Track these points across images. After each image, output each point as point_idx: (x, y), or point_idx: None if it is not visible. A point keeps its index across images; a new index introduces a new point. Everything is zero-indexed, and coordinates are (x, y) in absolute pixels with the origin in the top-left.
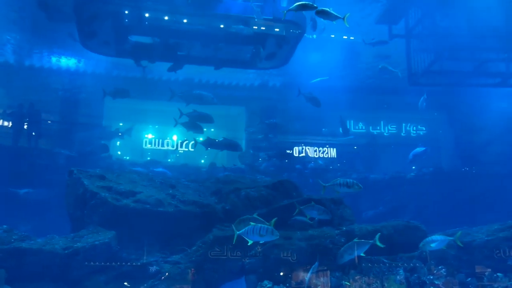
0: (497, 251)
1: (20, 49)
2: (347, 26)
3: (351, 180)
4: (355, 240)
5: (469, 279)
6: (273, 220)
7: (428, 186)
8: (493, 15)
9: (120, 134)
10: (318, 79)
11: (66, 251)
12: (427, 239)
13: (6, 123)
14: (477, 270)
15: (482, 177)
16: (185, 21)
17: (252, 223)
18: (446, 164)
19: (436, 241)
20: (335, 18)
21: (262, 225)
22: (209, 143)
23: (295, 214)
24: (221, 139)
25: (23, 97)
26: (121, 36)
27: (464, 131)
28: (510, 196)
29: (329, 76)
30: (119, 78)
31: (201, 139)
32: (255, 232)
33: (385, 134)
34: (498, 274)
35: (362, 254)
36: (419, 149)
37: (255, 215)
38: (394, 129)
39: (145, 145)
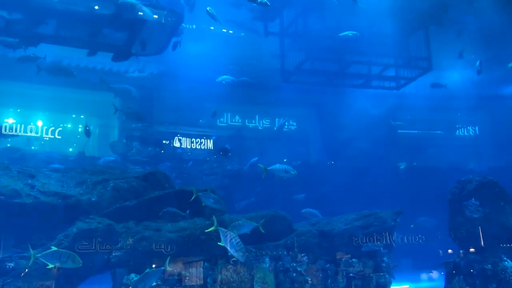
0: (355, 238)
1: None
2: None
3: (288, 166)
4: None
5: (328, 265)
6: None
7: (296, 178)
8: (359, 19)
9: None
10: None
11: None
12: (233, 223)
13: None
14: (337, 257)
15: (345, 170)
16: None
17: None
18: (314, 158)
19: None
20: None
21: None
22: None
23: (191, 200)
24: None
25: None
26: None
27: (330, 127)
28: (367, 187)
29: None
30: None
31: (69, 125)
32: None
33: (259, 128)
34: (353, 259)
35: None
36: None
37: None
38: (268, 123)
39: (5, 131)
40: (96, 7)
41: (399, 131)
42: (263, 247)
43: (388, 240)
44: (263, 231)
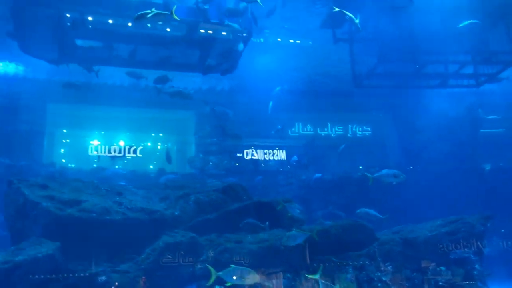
0: (440, 245)
1: None
2: None
3: (396, 171)
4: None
5: (415, 274)
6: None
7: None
8: (431, 19)
9: None
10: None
11: (5, 266)
12: (288, 234)
13: None
14: (422, 265)
15: (426, 175)
16: (129, 24)
17: None
18: (391, 163)
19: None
20: None
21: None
22: None
23: (278, 209)
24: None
25: None
26: (63, 41)
27: (407, 130)
28: (451, 192)
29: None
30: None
31: (149, 144)
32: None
33: (332, 135)
34: (441, 268)
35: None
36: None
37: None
38: (341, 130)
39: (91, 152)
40: (168, 30)
41: (481, 130)
42: (345, 257)
43: (478, 247)
44: (316, 238)
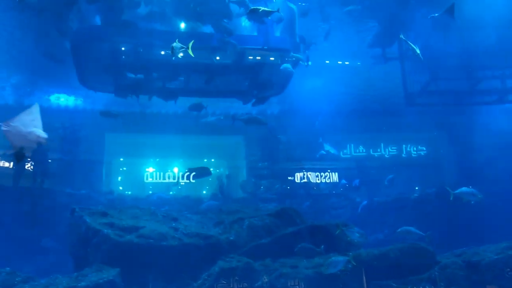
0: (507, 269)
1: (19, 90)
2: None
3: (474, 190)
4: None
5: None
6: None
7: (432, 206)
8: (485, 33)
9: None
10: None
11: None
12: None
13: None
14: None
15: (486, 195)
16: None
17: None
18: (449, 184)
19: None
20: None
21: None
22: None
23: (337, 233)
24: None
25: None
26: (118, 73)
27: (465, 149)
28: None
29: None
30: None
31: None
32: None
33: (386, 156)
34: None
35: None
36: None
37: None
38: (395, 150)
39: (146, 179)
40: (218, 58)
41: None
42: (405, 282)
43: None
44: (354, 263)
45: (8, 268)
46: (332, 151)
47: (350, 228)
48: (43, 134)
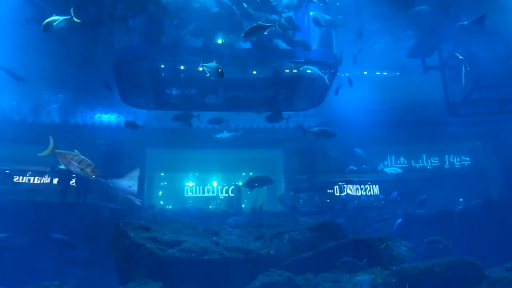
0: None
1: (64, 109)
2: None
3: None
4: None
5: None
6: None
7: (478, 218)
8: None
9: None
10: None
11: None
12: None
13: (54, 181)
14: None
15: None
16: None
17: None
18: (496, 195)
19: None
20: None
21: None
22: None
23: (382, 247)
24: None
25: None
26: (158, 90)
27: (511, 159)
28: None
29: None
30: (159, 129)
31: (240, 183)
32: None
33: (428, 167)
34: None
35: None
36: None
37: None
38: (437, 161)
39: (186, 193)
40: (254, 72)
41: None
42: None
43: None
44: (379, 280)
45: (56, 282)
46: (389, 171)
47: (397, 242)
48: (138, 202)
